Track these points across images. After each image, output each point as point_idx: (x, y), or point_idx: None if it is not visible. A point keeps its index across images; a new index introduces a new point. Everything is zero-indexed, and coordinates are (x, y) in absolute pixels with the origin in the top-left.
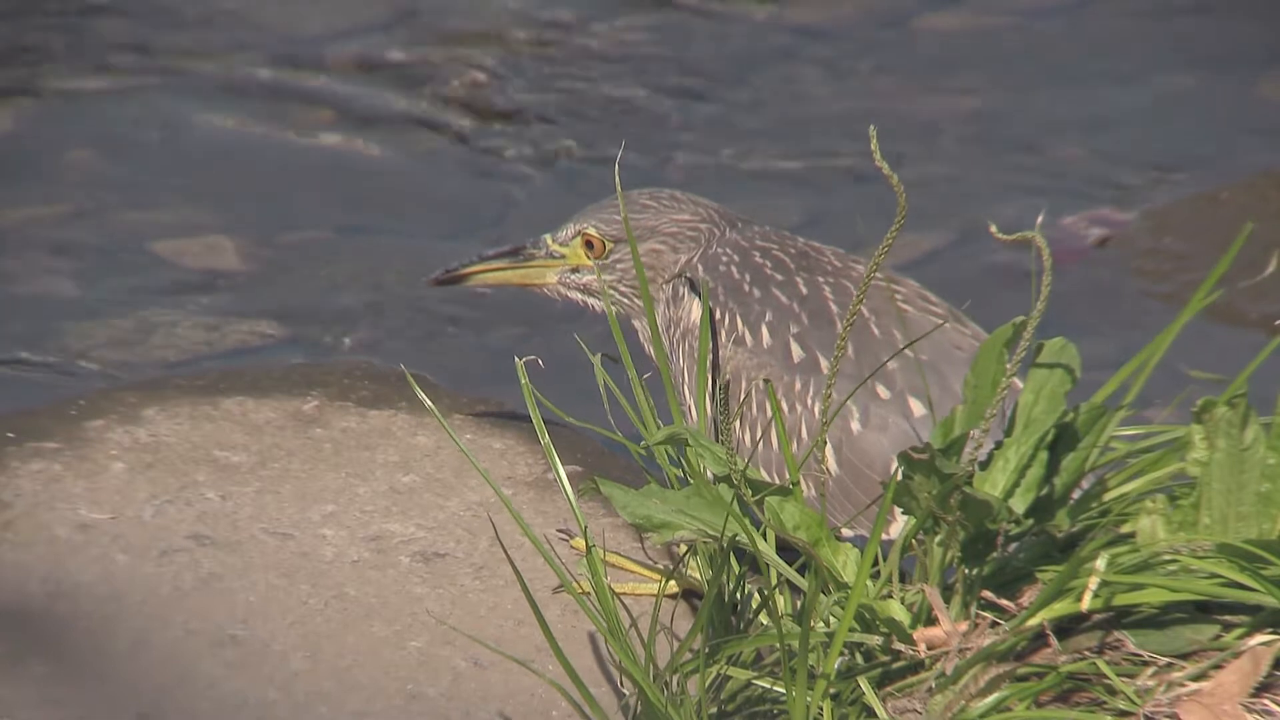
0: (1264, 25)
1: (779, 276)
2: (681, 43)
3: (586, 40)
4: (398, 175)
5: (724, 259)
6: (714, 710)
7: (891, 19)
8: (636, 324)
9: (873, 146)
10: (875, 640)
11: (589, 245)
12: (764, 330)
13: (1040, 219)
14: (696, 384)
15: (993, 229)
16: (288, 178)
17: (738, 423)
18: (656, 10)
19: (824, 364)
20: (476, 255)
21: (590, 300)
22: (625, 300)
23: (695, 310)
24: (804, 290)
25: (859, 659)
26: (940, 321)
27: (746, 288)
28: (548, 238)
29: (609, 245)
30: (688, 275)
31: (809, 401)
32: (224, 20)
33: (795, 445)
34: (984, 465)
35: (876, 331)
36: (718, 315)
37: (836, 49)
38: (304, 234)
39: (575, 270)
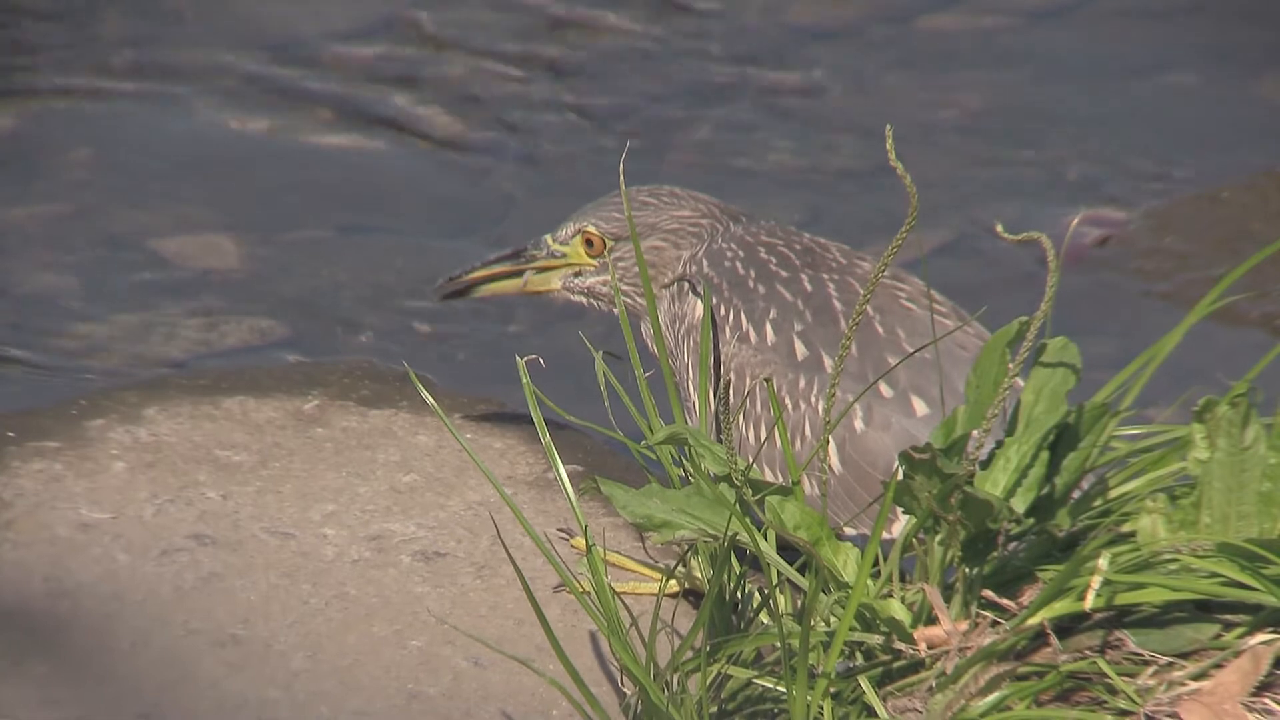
0: (1264, 25)
1: (784, 273)
2: (682, 42)
3: (587, 40)
4: (398, 175)
5: (729, 254)
6: (715, 709)
7: (892, 18)
8: (639, 322)
9: (888, 146)
10: (876, 639)
11: (589, 244)
12: (768, 327)
13: (1074, 220)
14: (699, 381)
15: (999, 229)
16: (288, 177)
17: (741, 419)
18: (657, 10)
19: (828, 362)
20: (479, 260)
21: (593, 302)
22: (627, 299)
23: (700, 306)
24: (809, 287)
25: (859, 658)
26: (946, 321)
27: (751, 284)
28: (548, 238)
29: (609, 243)
30: (692, 269)
31: (813, 399)
32: (224, 20)
33: (799, 443)
34: (985, 465)
35: (880, 330)
36: (722, 311)
37: (837, 48)
38: (304, 234)
39: (578, 274)
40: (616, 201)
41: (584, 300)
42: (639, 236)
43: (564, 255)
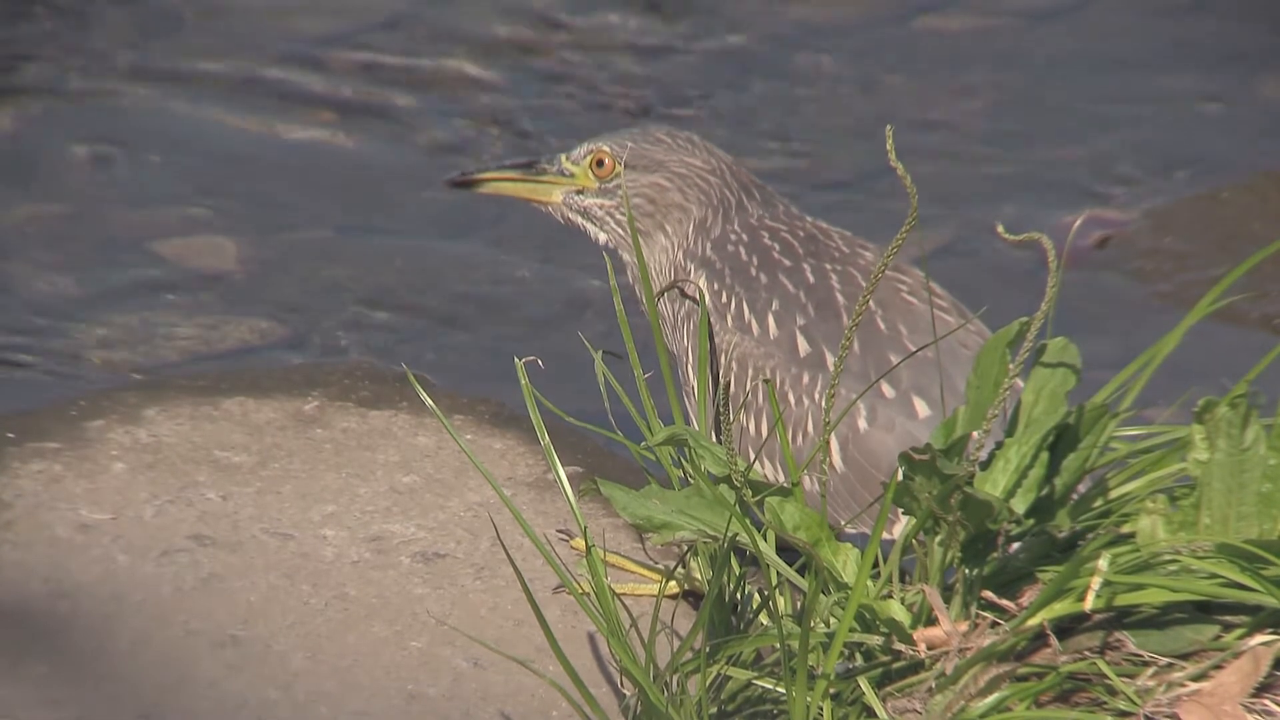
0: (1264, 25)
1: (786, 262)
2: (682, 42)
3: (587, 40)
4: (398, 175)
5: (732, 238)
6: (714, 710)
7: (892, 19)
8: (627, 259)
9: (888, 146)
10: (875, 640)
11: (599, 163)
12: (770, 320)
13: (1074, 220)
14: (699, 369)
15: (999, 229)
16: (288, 178)
17: (742, 412)
18: (656, 10)
19: (830, 358)
20: (494, 163)
21: (589, 226)
22: (619, 231)
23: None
24: (811, 279)
25: (859, 659)
26: (949, 319)
27: (753, 272)
28: (562, 156)
29: (618, 168)
30: (696, 251)
31: (815, 396)
32: (224, 20)
33: (800, 439)
34: (985, 465)
35: (883, 326)
36: (724, 298)
37: (837, 49)
38: (304, 234)
39: (580, 192)
40: (636, 133)
41: (580, 221)
42: (645, 170)
43: (573, 175)
